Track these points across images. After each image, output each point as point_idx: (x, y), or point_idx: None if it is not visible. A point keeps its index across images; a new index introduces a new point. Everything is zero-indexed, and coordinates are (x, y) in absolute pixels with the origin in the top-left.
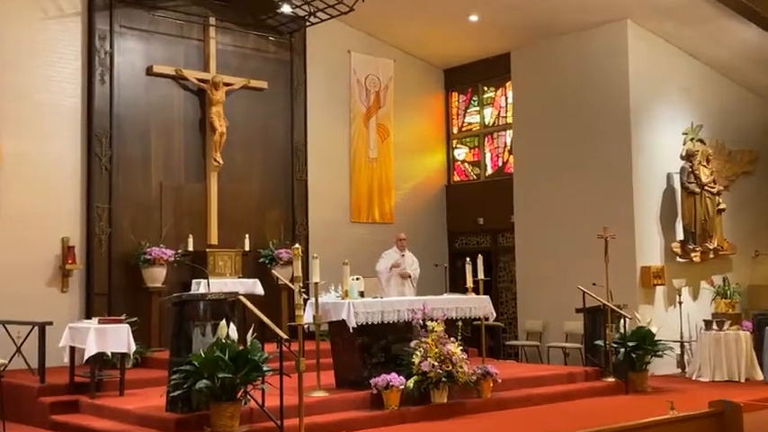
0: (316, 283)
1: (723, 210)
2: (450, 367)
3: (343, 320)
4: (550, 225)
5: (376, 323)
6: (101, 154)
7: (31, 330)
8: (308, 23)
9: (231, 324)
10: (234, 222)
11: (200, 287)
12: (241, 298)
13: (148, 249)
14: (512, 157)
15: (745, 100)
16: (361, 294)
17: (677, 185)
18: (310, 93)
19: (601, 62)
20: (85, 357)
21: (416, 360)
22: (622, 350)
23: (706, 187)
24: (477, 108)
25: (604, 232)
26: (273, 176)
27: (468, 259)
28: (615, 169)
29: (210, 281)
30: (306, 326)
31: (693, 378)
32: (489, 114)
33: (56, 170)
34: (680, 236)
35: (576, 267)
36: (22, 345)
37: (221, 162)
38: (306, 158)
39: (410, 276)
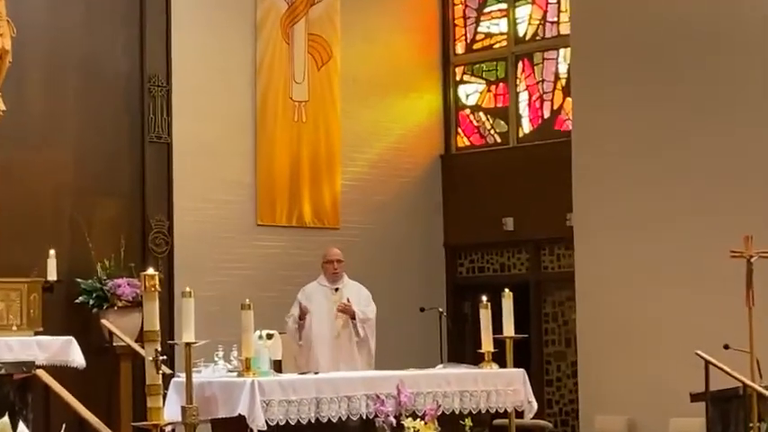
0: (188, 345)
1: None
2: None
3: (242, 417)
4: (641, 233)
5: (305, 423)
6: None
7: None
8: None
9: (20, 424)
10: (25, 226)
11: None
12: (41, 374)
13: None
14: (569, 102)
15: None
16: (278, 366)
17: None
18: None
19: None
20: None
21: None
22: None
23: None
24: (503, 6)
25: (746, 247)
26: (105, 137)
27: (483, 299)
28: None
29: None
30: (168, 429)
31: None
32: (525, 18)
33: None
34: None
35: (691, 313)
36: None
37: (2, 109)
38: (168, 104)
39: (355, 319)
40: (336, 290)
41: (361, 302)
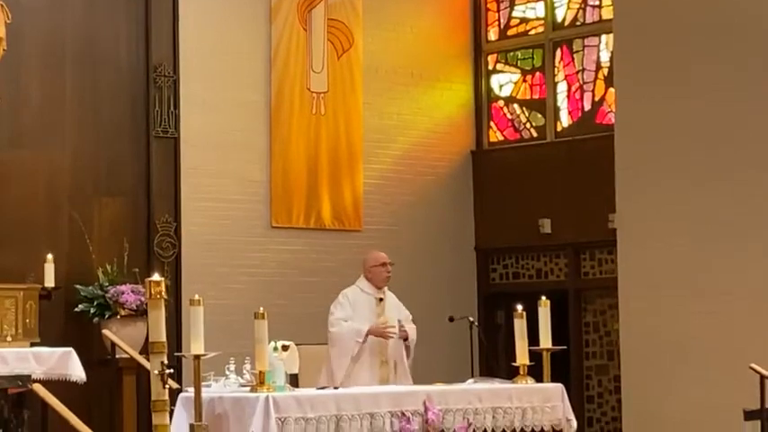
0: (197, 357)
1: None
2: None
3: None
4: (692, 236)
5: None
6: None
7: None
8: None
9: None
10: (21, 228)
11: None
12: (37, 388)
13: None
14: (612, 93)
15: None
16: (294, 381)
17: None
18: None
19: None
20: None
21: None
22: None
23: None
24: None
25: None
26: (107, 132)
27: (518, 307)
28: None
29: None
30: None
31: None
32: (564, 1)
33: None
34: None
35: (746, 324)
36: None
37: None
38: (175, 95)
39: (407, 339)
40: (381, 300)
41: (402, 315)
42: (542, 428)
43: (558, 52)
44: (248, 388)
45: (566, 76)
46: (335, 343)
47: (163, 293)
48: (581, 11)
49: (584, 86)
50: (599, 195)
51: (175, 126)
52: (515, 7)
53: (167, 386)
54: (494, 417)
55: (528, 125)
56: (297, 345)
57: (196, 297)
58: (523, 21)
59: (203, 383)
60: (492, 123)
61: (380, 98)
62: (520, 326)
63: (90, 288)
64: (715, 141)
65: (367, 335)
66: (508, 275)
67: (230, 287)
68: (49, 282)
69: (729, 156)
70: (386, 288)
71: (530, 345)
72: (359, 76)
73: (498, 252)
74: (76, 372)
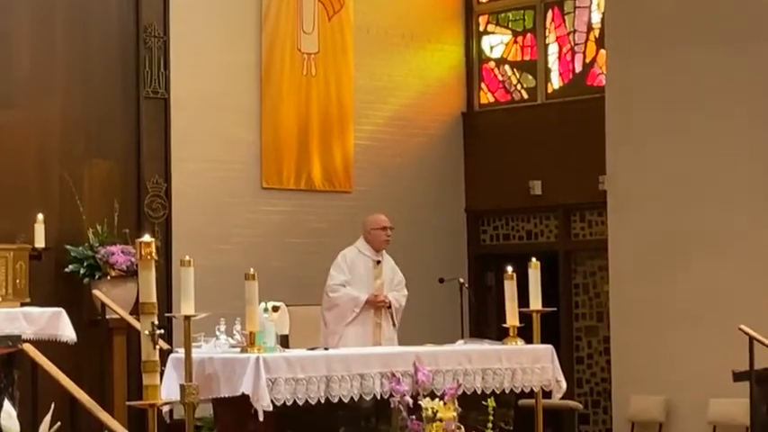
0: (187, 318)
1: None
2: None
3: (245, 397)
4: (682, 197)
5: (314, 403)
6: None
7: None
8: None
9: (5, 402)
10: (11, 189)
11: None
12: (28, 348)
13: None
14: (603, 55)
15: None
16: (284, 342)
17: None
18: None
19: None
20: None
21: None
22: None
23: None
24: None
25: None
26: (97, 93)
27: (508, 269)
28: None
29: None
30: (166, 408)
31: None
32: None
33: None
34: None
35: (735, 285)
36: None
37: None
38: (165, 56)
39: (390, 308)
40: (378, 262)
41: (394, 286)
42: (532, 389)
43: (550, 13)
44: (239, 349)
45: (557, 37)
46: (333, 309)
47: (153, 254)
48: None
49: (576, 48)
50: (589, 157)
51: (165, 87)
52: None
53: (158, 347)
54: (483, 378)
55: (519, 87)
56: (287, 306)
57: (186, 258)
58: None
59: (193, 344)
60: (483, 85)
61: (371, 59)
62: (510, 287)
63: (80, 249)
64: (707, 104)
65: (365, 303)
66: (498, 237)
67: (220, 248)
68: (40, 242)
69: (721, 119)
70: (384, 251)
71: (520, 306)
72: (350, 37)
73: (489, 213)
74: (67, 332)
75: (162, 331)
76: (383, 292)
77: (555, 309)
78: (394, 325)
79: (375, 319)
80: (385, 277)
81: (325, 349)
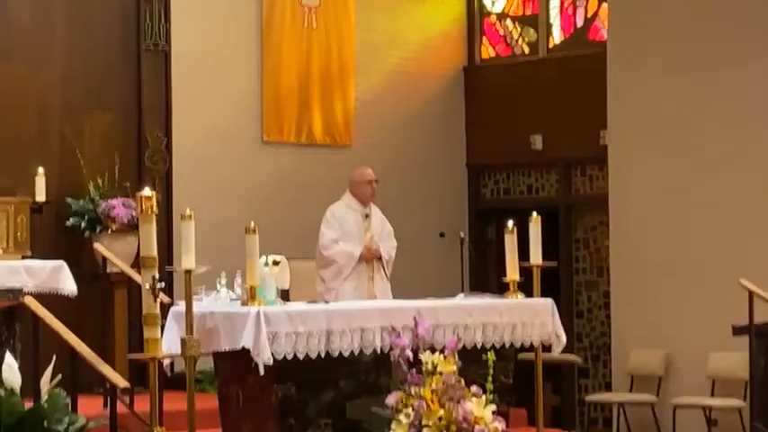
0: (188, 272)
1: None
2: None
3: (246, 350)
4: (682, 152)
5: (315, 356)
6: None
7: None
8: None
9: (7, 354)
10: (11, 142)
11: None
12: (29, 301)
13: None
14: (605, 9)
15: None
16: (285, 295)
17: None
18: None
19: None
20: None
21: None
22: None
23: None
24: None
25: None
26: (97, 46)
27: (509, 223)
28: None
29: None
30: (167, 361)
31: None
32: None
33: None
34: None
35: (735, 239)
36: None
37: None
38: (166, 9)
39: (381, 258)
40: (367, 216)
41: (383, 237)
42: (532, 343)
43: None
44: (239, 302)
45: None
46: (330, 265)
47: (154, 208)
48: None
49: (577, 2)
50: (590, 112)
51: (166, 40)
52: None
53: (158, 300)
54: (483, 332)
55: (520, 41)
56: (288, 259)
57: (187, 211)
58: None
59: (194, 298)
60: (484, 39)
61: (372, 12)
62: (510, 242)
63: (81, 202)
64: (707, 58)
65: (359, 259)
66: (499, 191)
67: (221, 202)
68: (40, 196)
69: (720, 72)
70: (371, 204)
71: (520, 260)
72: None
73: (489, 168)
74: (68, 285)
75: (163, 285)
76: (374, 244)
77: (555, 263)
78: (387, 276)
79: (368, 272)
80: (374, 230)
81: (326, 303)
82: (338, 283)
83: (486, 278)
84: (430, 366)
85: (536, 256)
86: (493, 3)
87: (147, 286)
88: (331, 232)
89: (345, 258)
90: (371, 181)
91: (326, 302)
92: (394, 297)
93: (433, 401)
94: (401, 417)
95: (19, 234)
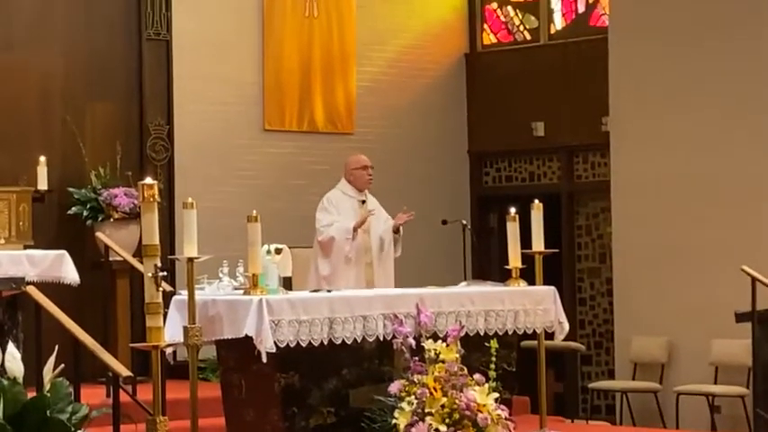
0: (190, 260)
1: None
2: None
3: (249, 338)
4: (685, 139)
5: (317, 344)
6: None
7: None
8: None
9: (10, 344)
10: (13, 131)
11: None
12: (31, 290)
13: None
14: None
15: None
16: (287, 284)
17: None
18: None
19: None
20: None
21: (402, 421)
22: None
23: None
24: None
25: None
26: (98, 35)
27: (511, 210)
28: None
29: None
30: (170, 350)
31: None
32: None
33: None
34: None
35: (737, 226)
36: None
37: None
38: None
39: (397, 231)
40: (363, 202)
41: (381, 221)
42: (534, 331)
43: None
44: (242, 291)
45: None
46: (329, 249)
47: (156, 196)
48: None
49: None
50: (592, 98)
51: (168, 28)
52: None
53: (161, 289)
54: (486, 319)
55: (521, 28)
56: (290, 248)
57: (189, 200)
58: None
59: (197, 286)
60: (485, 26)
61: (374, 0)
62: (513, 229)
63: (83, 191)
64: (708, 44)
65: (354, 230)
66: (501, 178)
67: (223, 190)
68: (42, 185)
69: (723, 59)
70: (367, 191)
71: (522, 248)
72: None
73: (491, 155)
74: (70, 274)
75: (165, 273)
76: (371, 230)
77: (557, 250)
78: (396, 251)
79: (365, 258)
80: (372, 216)
81: (328, 291)
82: (340, 265)
83: (488, 265)
84: (433, 354)
85: (538, 244)
86: None
87: (150, 275)
88: (326, 218)
89: (342, 232)
90: (366, 166)
91: (329, 291)
92: (396, 285)
93: (435, 389)
94: (404, 405)
95: (21, 223)
